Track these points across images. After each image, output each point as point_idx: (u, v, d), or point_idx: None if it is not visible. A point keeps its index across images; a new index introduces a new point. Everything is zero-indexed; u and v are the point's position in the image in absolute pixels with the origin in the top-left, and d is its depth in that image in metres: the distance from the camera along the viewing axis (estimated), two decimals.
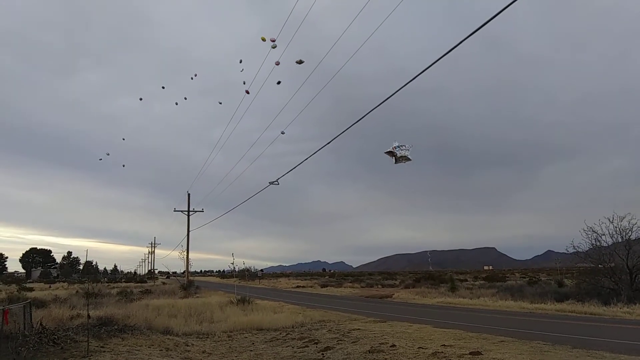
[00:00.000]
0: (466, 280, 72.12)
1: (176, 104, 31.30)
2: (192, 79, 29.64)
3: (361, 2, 15.28)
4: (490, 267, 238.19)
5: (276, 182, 27.57)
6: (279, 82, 28.64)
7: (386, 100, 13.31)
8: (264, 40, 28.07)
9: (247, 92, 27.39)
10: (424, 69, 11.30)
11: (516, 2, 8.73)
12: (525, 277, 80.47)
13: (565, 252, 35.03)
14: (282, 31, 56.65)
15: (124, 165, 71.81)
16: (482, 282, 66.62)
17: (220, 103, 31.68)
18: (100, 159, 76.52)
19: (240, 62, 27.93)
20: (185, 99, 30.97)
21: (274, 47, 27.52)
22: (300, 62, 26.63)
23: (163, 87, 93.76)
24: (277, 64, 24.63)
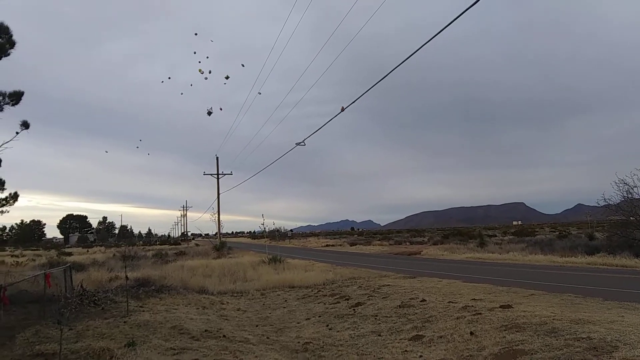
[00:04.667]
0: (495, 236, 71.85)
1: (205, 78, 32.47)
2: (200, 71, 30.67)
3: None
4: (519, 222, 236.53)
5: (302, 143, 27.67)
6: (227, 77, 29.58)
7: (410, 57, 13.19)
8: (201, 72, 29.68)
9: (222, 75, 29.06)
10: (446, 24, 11.15)
11: None
12: (555, 231, 79.84)
13: (596, 205, 34.53)
14: None
15: (148, 154, 73.51)
16: (511, 237, 66.27)
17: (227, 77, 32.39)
18: (137, 147, 79.16)
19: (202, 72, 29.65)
20: (206, 79, 31.62)
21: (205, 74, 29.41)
22: (227, 77, 28.06)
23: (169, 78, 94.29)
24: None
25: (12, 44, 16.09)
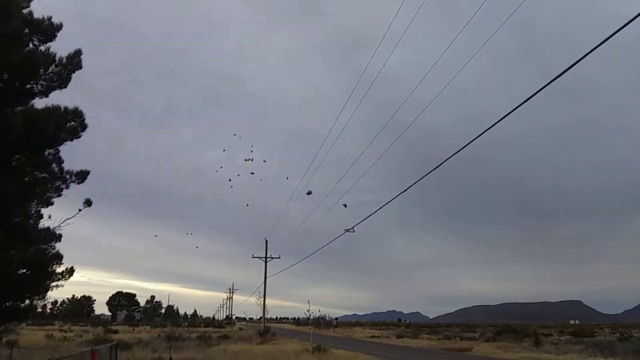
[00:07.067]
0: (551, 335, 68.34)
1: (252, 173, 36.18)
2: (246, 160, 33.68)
3: (439, 56, 15.57)
4: (577, 322, 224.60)
5: (352, 230, 27.78)
6: (309, 193, 31.23)
7: (460, 150, 13.41)
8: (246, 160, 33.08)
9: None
10: (497, 120, 11.38)
11: (595, 50, 8.74)
12: (615, 333, 75.55)
13: None
14: (361, 85, 57.92)
15: (197, 247, 77.28)
16: (568, 337, 62.91)
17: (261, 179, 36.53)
18: (191, 234, 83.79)
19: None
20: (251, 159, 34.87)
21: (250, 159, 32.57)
22: (309, 193, 29.52)
23: (221, 167, 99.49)
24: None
25: (84, 127, 17.27)
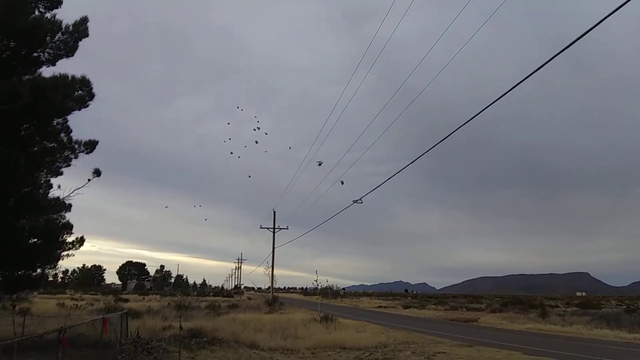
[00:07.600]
0: (557, 307, 68.61)
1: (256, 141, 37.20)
2: (254, 130, 34.63)
3: (449, 27, 15.27)
4: (584, 293, 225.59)
5: (360, 201, 27.64)
6: (320, 164, 31.24)
7: (467, 122, 13.20)
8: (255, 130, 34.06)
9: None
10: (506, 91, 11.18)
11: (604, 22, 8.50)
12: (622, 305, 75.78)
13: None
14: (370, 55, 57.17)
15: (205, 219, 77.73)
16: (574, 308, 63.15)
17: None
18: (200, 206, 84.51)
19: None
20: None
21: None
22: (320, 163, 29.42)
23: (230, 139, 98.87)
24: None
25: (92, 96, 17.12)
